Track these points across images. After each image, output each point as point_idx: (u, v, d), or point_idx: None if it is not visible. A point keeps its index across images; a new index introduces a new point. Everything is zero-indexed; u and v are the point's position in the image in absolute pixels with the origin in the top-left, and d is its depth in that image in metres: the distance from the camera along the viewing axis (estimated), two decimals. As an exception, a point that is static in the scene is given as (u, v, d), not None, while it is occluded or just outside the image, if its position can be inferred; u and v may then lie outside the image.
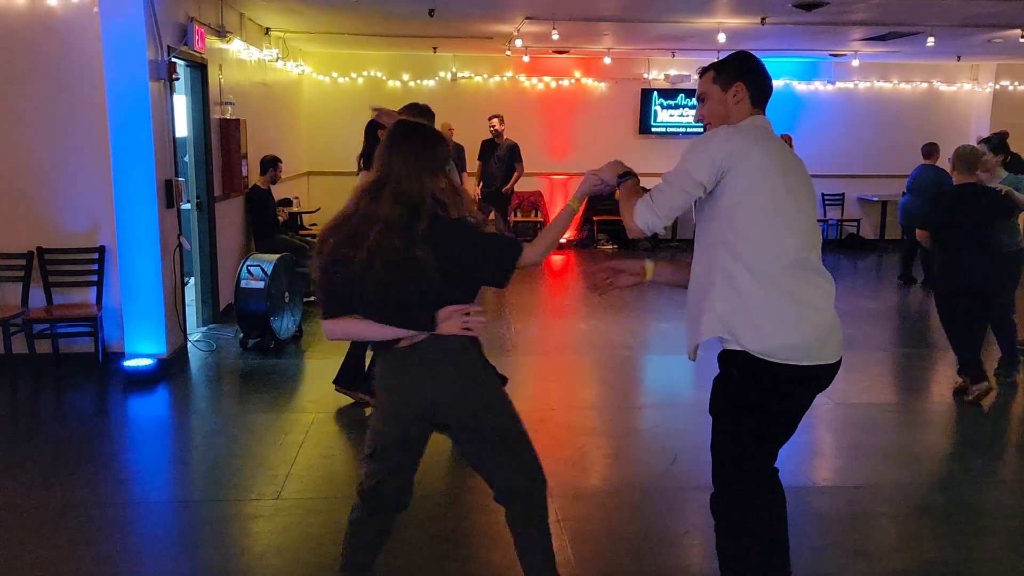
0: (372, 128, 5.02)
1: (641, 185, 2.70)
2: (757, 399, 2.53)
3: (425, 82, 11.85)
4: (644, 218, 2.52)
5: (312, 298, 8.02)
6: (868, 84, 12.10)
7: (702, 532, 3.15)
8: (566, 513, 3.79)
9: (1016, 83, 11.87)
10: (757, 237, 2.45)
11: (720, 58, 2.72)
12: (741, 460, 2.63)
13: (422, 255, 2.39)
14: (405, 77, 11.83)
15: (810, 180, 2.62)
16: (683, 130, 11.94)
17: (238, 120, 7.65)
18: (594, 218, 12.13)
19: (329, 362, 6.09)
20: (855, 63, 11.43)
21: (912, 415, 5.31)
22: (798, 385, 2.53)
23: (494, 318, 7.71)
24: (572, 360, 6.50)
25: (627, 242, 11.96)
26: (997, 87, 11.88)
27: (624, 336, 7.15)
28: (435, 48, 11.07)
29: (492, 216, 10.23)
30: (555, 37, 8.67)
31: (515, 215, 11.85)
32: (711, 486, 2.73)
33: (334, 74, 11.77)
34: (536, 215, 12.09)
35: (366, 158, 4.86)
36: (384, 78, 11.81)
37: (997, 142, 5.89)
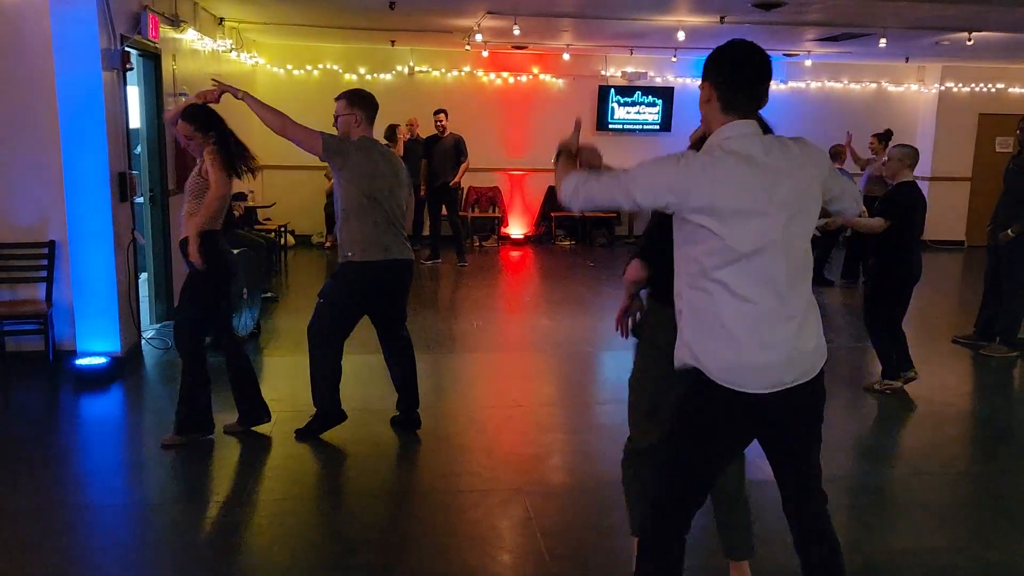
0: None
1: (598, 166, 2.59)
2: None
3: (382, 76, 11.72)
4: (571, 185, 2.39)
5: (270, 294, 7.89)
6: (820, 84, 12.33)
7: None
8: (538, 511, 3.78)
9: (960, 85, 12.21)
10: None
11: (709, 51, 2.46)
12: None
13: None
14: (362, 70, 11.67)
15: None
16: (640, 127, 12.01)
17: (192, 112, 7.44)
18: (552, 214, 12.14)
19: (290, 359, 6.00)
20: (808, 63, 11.63)
21: (866, 408, 5.42)
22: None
23: (453, 314, 7.67)
24: (535, 356, 6.49)
25: (584, 238, 12.00)
26: (942, 88, 12.21)
27: (586, 332, 7.17)
28: (393, 42, 10.95)
29: (443, 211, 10.18)
30: (516, 32, 8.64)
31: (473, 210, 11.81)
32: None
33: (289, 66, 11.55)
34: (494, 211, 12.05)
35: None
36: (340, 71, 11.64)
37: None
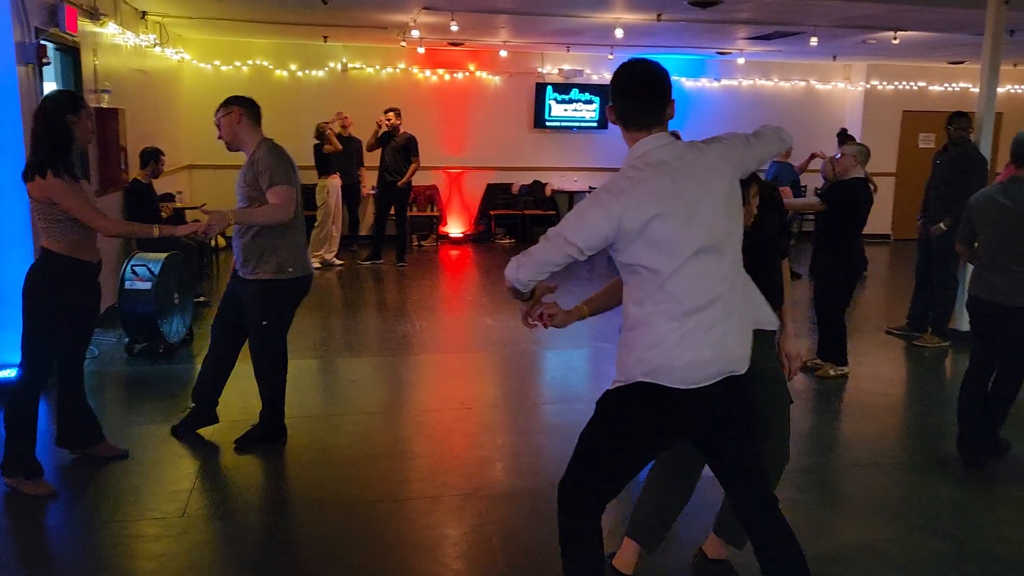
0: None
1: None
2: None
3: (314, 72, 11.45)
4: (513, 269, 2.45)
5: (203, 298, 7.60)
6: (751, 82, 12.54)
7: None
8: (491, 515, 3.69)
9: (884, 83, 12.58)
10: None
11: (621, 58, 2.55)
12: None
13: None
14: (293, 67, 11.38)
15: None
16: (577, 125, 12.02)
17: (116, 109, 7.13)
18: (491, 212, 12.06)
19: (226, 366, 5.77)
20: (740, 61, 11.81)
21: (805, 401, 5.50)
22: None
23: (395, 316, 7.52)
24: (481, 357, 6.39)
25: (525, 236, 11.95)
26: (868, 86, 12.56)
27: (532, 331, 7.09)
28: (325, 37, 10.70)
29: (391, 211, 10.01)
30: (454, 28, 8.53)
31: (411, 209, 11.63)
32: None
33: (216, 62, 11.19)
34: (432, 209, 11.90)
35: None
36: (271, 67, 11.33)
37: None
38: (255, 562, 3.30)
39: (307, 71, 11.42)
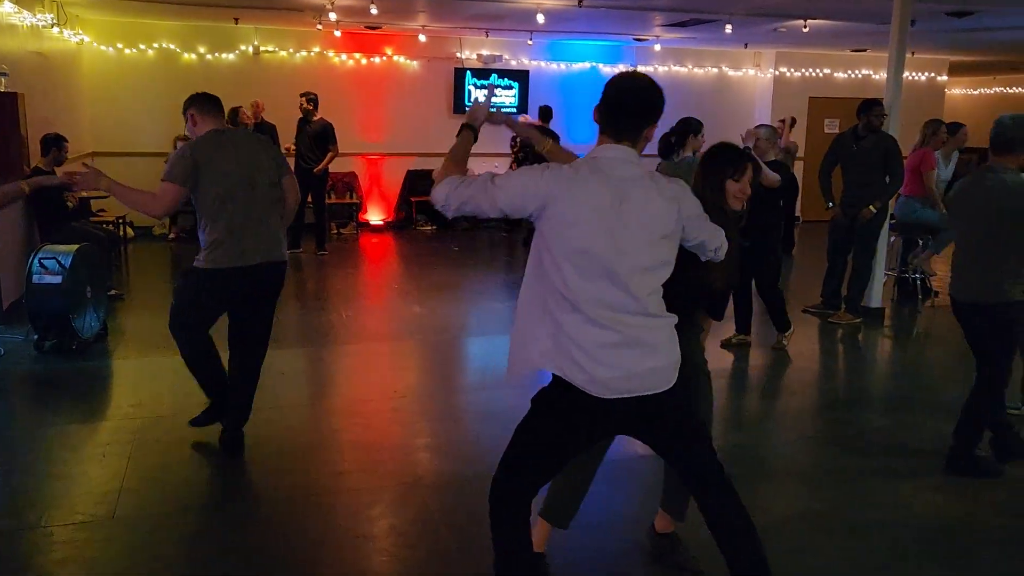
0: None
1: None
2: None
3: (225, 55, 11.05)
4: (444, 191, 2.39)
5: (115, 291, 7.25)
6: (666, 68, 12.76)
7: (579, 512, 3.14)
8: (438, 503, 3.66)
9: (792, 70, 13.01)
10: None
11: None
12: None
13: None
14: (202, 50, 10.96)
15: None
16: (494, 109, 11.92)
17: (15, 94, 6.71)
18: (412, 199, 11.93)
19: (144, 361, 5.54)
20: (657, 48, 12.00)
21: (727, 379, 5.66)
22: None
23: (320, 306, 7.36)
24: (411, 345, 6.32)
25: (447, 224, 11.87)
26: (777, 73, 12.96)
27: (459, 317, 7.07)
28: (236, 19, 10.32)
29: (309, 200, 9.77)
30: (374, 12, 8.36)
31: (329, 197, 11.38)
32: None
33: (119, 45, 10.67)
34: (351, 196, 11.68)
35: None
36: (178, 50, 10.88)
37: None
38: (193, 564, 3.18)
39: (217, 54, 11.02)
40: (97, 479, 3.81)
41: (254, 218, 3.92)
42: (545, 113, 10.34)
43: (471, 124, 2.68)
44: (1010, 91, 17.41)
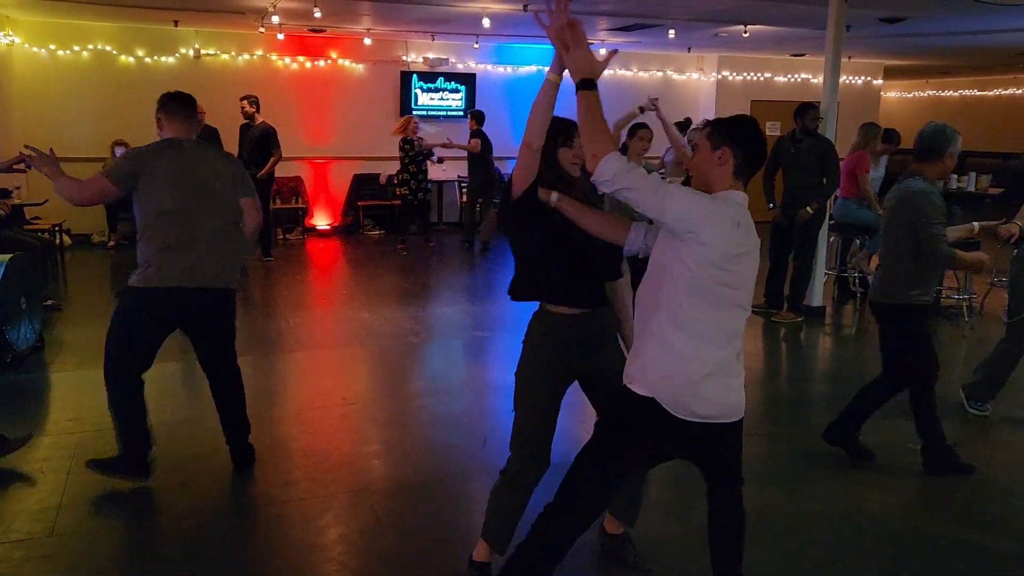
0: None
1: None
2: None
3: (164, 59, 10.82)
4: (613, 170, 2.32)
5: (52, 302, 7.03)
6: (612, 72, 12.87)
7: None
8: (387, 511, 3.64)
9: (734, 73, 13.26)
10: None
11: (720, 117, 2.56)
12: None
13: None
14: (140, 53, 10.71)
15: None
16: (444, 114, 11.97)
17: (-59, 97, 6.47)
18: (359, 204, 11.84)
19: (82, 374, 5.39)
20: (602, 52, 12.08)
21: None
22: None
23: (267, 313, 7.25)
24: (360, 351, 6.26)
25: (395, 227, 11.80)
26: (719, 77, 13.19)
27: (409, 323, 7.03)
28: (176, 22, 10.11)
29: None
30: (317, 15, 8.27)
31: (274, 202, 11.23)
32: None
33: (52, 46, 10.37)
34: (297, 201, 11.54)
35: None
36: (115, 53, 10.61)
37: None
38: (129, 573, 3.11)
39: (156, 57, 10.78)
40: (35, 495, 3.69)
41: (199, 239, 3.64)
42: (478, 117, 10.42)
43: (592, 78, 2.45)
44: (942, 94, 18.03)
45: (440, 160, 10.40)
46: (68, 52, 10.43)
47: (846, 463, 4.27)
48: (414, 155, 9.98)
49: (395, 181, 10.27)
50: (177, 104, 3.77)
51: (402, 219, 10.74)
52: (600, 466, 2.51)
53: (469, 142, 10.31)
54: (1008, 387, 4.95)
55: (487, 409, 5.07)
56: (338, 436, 4.56)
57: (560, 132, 2.78)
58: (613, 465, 2.52)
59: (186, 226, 3.62)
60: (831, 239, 7.93)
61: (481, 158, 10.38)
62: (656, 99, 6.47)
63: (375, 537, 3.42)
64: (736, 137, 2.43)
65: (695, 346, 2.38)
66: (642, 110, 6.43)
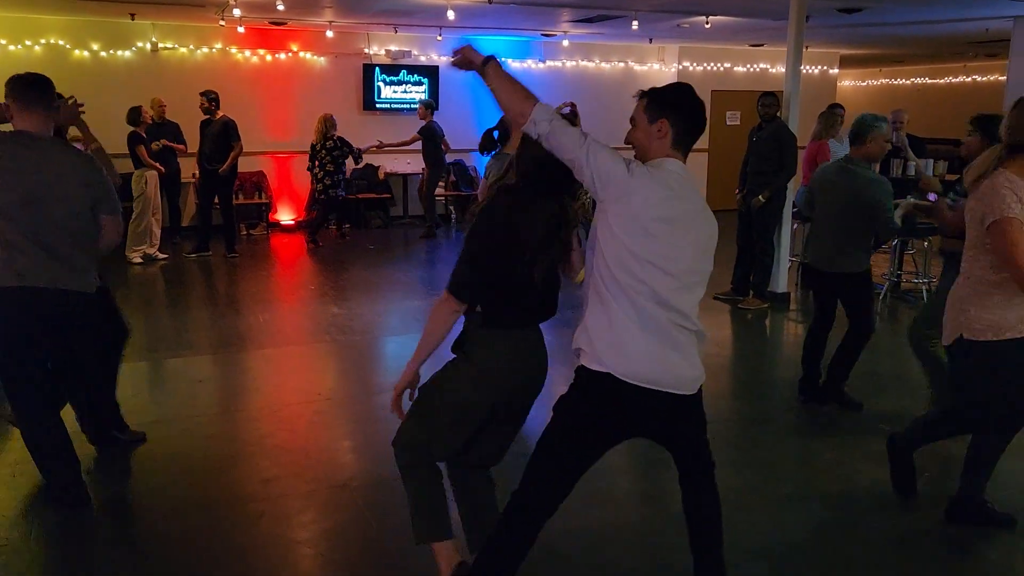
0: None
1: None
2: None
3: (120, 53, 10.60)
4: (546, 116, 2.34)
5: None
6: (574, 63, 12.94)
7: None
8: (371, 505, 3.66)
9: (695, 64, 13.39)
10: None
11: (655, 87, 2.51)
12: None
13: None
14: (95, 47, 10.48)
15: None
16: (408, 106, 11.90)
17: None
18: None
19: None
20: (565, 43, 12.15)
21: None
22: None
23: (235, 310, 7.18)
24: (332, 346, 6.23)
25: (359, 222, 11.73)
26: (680, 67, 13.31)
27: (378, 316, 7.02)
28: (132, 15, 9.91)
29: (216, 201, 9.51)
30: (280, 8, 8.18)
31: (237, 197, 11.08)
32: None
33: (2, 41, 10.10)
34: (260, 196, 11.40)
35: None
36: (68, 47, 10.37)
37: None
38: (121, 581, 3.08)
39: (112, 51, 10.56)
40: (8, 501, 3.63)
41: (39, 242, 3.36)
42: (428, 106, 10.59)
43: (488, 57, 2.48)
44: (895, 82, 18.40)
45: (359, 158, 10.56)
46: (20, 47, 10.17)
47: (818, 446, 4.38)
48: (337, 154, 10.07)
49: (322, 179, 10.27)
50: (30, 91, 3.42)
51: (367, 212, 10.71)
52: (561, 444, 2.49)
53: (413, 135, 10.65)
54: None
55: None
56: (316, 431, 4.55)
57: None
58: (574, 440, 2.48)
59: (22, 227, 3.33)
60: (795, 226, 8.07)
61: (432, 147, 10.50)
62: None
63: (359, 531, 3.44)
64: (674, 108, 2.39)
65: (623, 312, 2.35)
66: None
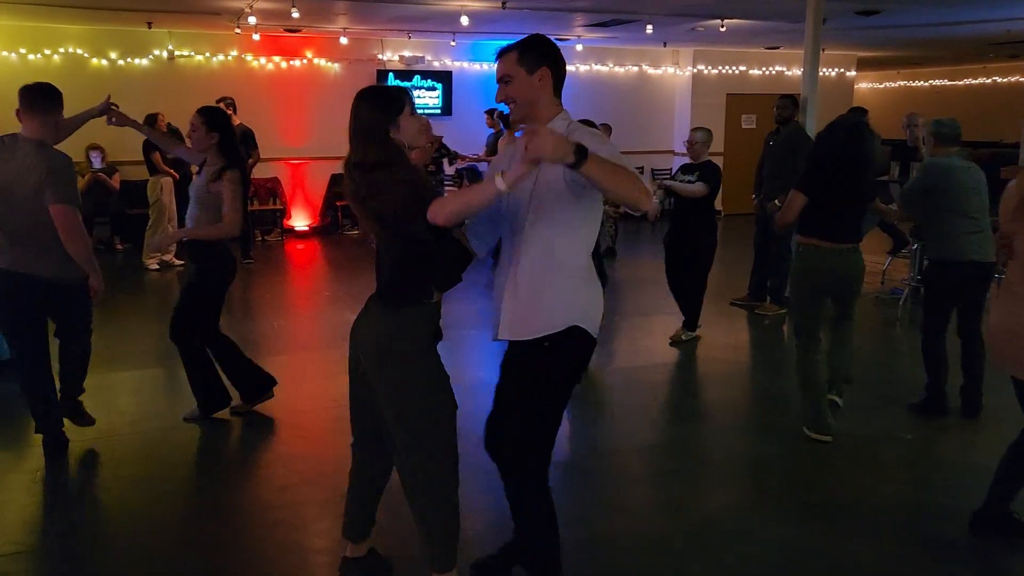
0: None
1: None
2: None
3: (137, 61, 10.68)
4: (651, 192, 2.49)
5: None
6: (588, 67, 12.92)
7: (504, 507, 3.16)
8: (391, 511, 3.58)
9: (709, 67, 13.33)
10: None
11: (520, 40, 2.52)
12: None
13: None
14: (113, 55, 10.57)
15: None
16: (421, 111, 11.86)
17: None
18: (337, 204, 11.77)
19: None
20: (579, 47, 12.13)
21: (669, 371, 5.78)
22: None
23: (250, 316, 7.19)
24: (346, 352, 6.19)
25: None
26: (695, 71, 13.26)
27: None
28: (150, 23, 9.98)
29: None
30: (295, 15, 8.20)
31: (253, 203, 11.13)
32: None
33: (23, 50, 10.20)
34: (275, 202, 11.45)
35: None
36: (87, 56, 10.47)
37: None
38: (137, 589, 3.08)
39: (129, 59, 10.65)
40: (29, 506, 3.64)
41: (17, 233, 3.76)
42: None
43: (578, 150, 2.13)
44: (913, 84, 18.25)
45: None
46: (39, 56, 10.27)
47: (841, 451, 4.32)
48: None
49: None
50: (33, 99, 3.79)
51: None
52: (564, 397, 2.73)
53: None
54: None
55: (478, 409, 5.05)
56: (331, 439, 4.54)
57: (397, 100, 2.56)
58: (568, 390, 2.76)
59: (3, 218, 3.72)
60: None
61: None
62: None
63: (376, 535, 3.41)
64: (547, 55, 2.46)
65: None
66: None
